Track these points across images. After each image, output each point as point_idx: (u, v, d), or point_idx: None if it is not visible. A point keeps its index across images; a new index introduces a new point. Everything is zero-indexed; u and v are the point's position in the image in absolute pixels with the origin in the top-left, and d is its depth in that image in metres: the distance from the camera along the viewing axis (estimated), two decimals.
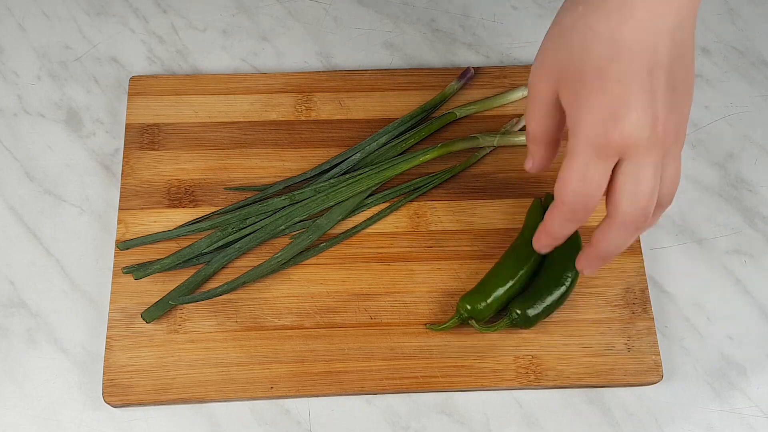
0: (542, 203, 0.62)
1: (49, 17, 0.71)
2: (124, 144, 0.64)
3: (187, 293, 0.59)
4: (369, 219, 0.62)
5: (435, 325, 0.58)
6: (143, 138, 0.64)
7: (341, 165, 0.63)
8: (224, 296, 0.59)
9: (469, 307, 0.57)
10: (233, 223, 0.61)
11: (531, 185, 0.63)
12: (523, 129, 0.65)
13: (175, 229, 0.61)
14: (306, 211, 0.62)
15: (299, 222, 0.61)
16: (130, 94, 0.66)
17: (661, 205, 0.44)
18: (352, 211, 0.62)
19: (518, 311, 0.57)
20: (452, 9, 0.72)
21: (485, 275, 0.59)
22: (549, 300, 0.57)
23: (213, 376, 0.57)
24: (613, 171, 0.42)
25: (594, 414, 0.58)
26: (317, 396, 0.57)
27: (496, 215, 0.62)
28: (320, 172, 0.63)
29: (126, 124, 0.65)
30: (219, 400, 0.58)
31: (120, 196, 0.62)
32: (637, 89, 0.40)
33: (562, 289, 0.58)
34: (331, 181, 0.62)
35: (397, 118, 0.65)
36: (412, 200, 0.63)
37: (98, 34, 0.70)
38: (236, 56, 0.69)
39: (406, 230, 0.62)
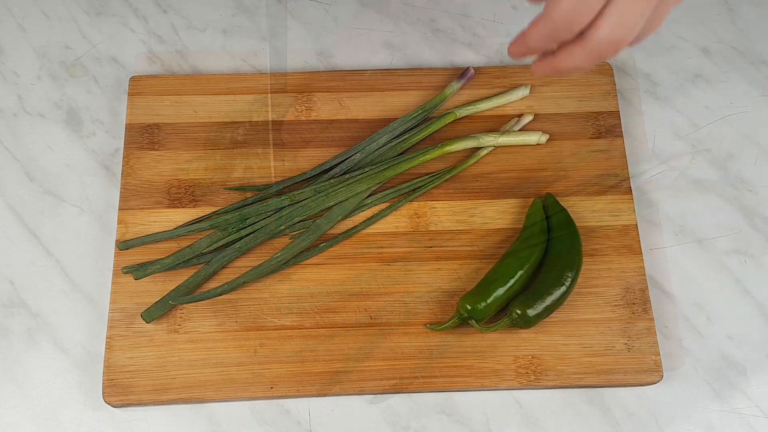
0: (542, 203, 0.62)
1: (49, 17, 0.71)
2: (124, 144, 0.64)
3: (187, 293, 0.59)
4: (369, 219, 0.62)
5: (435, 325, 0.58)
6: (143, 138, 0.64)
7: (341, 165, 0.63)
8: (224, 296, 0.59)
9: (469, 307, 0.57)
10: (233, 223, 0.61)
11: (531, 185, 0.63)
12: (523, 129, 0.65)
13: (175, 229, 0.61)
14: (306, 211, 0.62)
15: (299, 222, 0.62)
16: (130, 94, 0.66)
17: (631, 42, 0.45)
18: (352, 211, 0.62)
19: (518, 311, 0.57)
20: (452, 9, 0.72)
21: (485, 275, 0.59)
22: (549, 300, 0.57)
23: (213, 376, 0.57)
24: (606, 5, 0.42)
25: (594, 414, 0.58)
26: (317, 396, 0.57)
27: (496, 215, 0.62)
28: (320, 172, 0.63)
29: (126, 124, 0.65)
30: (219, 400, 0.58)
31: (120, 196, 0.62)
32: None
33: (562, 289, 0.58)
34: (331, 181, 0.62)
35: (397, 118, 0.65)
36: (412, 200, 0.63)
37: (98, 34, 0.70)
38: (236, 56, 0.69)
39: (406, 230, 0.62)
